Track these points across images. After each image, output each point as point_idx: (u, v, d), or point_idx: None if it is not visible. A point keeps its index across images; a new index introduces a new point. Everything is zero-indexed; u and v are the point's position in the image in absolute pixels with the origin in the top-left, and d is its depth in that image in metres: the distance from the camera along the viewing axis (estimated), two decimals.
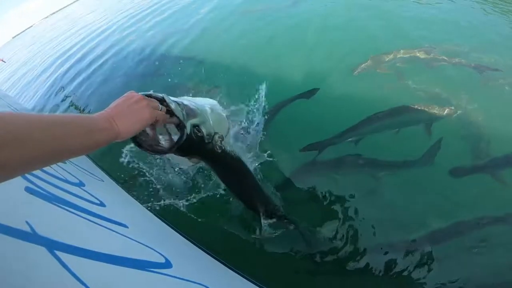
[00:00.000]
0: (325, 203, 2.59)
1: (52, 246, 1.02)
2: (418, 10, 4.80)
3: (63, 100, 6.43)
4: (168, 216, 2.74)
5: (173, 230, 2.50)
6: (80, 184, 2.25)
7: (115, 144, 3.36)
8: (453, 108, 2.95)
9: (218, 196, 2.71)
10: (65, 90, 6.93)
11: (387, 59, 3.61)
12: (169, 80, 4.90)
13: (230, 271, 2.21)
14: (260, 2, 6.97)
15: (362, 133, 2.89)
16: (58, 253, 0.99)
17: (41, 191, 1.57)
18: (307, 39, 4.66)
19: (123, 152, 3.33)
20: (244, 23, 6.16)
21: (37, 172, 1.88)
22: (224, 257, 2.30)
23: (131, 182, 3.22)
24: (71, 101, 6.20)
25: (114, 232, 1.58)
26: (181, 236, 2.44)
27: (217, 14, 7.23)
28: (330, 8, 5.55)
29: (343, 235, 2.35)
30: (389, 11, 4.91)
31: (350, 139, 2.87)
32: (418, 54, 3.61)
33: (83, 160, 3.67)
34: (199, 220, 2.63)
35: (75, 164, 3.01)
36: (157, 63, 5.90)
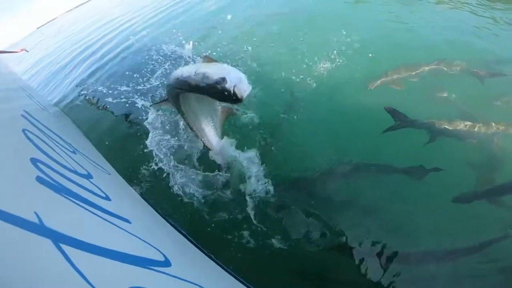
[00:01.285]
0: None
1: (58, 239, 1.02)
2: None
3: (79, 92, 6.53)
4: (170, 212, 2.74)
5: (173, 229, 2.50)
6: (88, 176, 2.26)
7: (125, 138, 3.40)
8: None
9: (223, 200, 2.71)
10: (82, 82, 7.04)
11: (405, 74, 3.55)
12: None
13: (227, 274, 2.20)
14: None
15: None
16: (63, 246, 0.99)
17: (51, 181, 1.58)
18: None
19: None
20: (259, 27, 6.12)
21: (49, 161, 1.90)
22: (222, 260, 2.29)
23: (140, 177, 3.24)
24: (86, 92, 6.29)
25: (117, 227, 1.58)
26: (181, 235, 2.43)
27: (236, 17, 7.19)
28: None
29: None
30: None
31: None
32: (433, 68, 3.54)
33: (93, 152, 3.71)
34: (201, 220, 2.62)
35: (85, 156, 3.03)
36: (171, 59, 5.93)
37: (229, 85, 1.70)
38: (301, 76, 3.84)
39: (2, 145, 1.65)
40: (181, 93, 2.25)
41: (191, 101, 2.38)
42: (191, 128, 2.72)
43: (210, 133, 2.68)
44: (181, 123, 3.40)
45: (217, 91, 1.78)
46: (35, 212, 1.13)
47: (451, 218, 2.34)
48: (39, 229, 1.05)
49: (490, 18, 4.54)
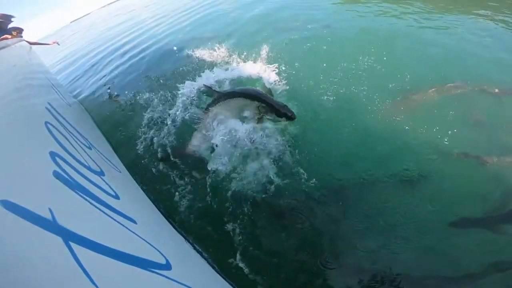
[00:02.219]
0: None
1: (68, 237, 1.05)
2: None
3: (100, 87, 6.74)
4: (174, 215, 2.77)
5: (176, 232, 2.51)
6: (101, 173, 2.31)
7: (138, 137, 3.44)
8: None
9: (228, 208, 2.72)
10: (105, 77, 7.28)
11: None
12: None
13: (225, 282, 2.18)
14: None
15: None
16: (72, 245, 1.02)
17: (67, 176, 1.63)
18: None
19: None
20: (278, 37, 6.16)
21: (66, 156, 1.96)
22: (221, 267, 2.28)
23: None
24: (107, 88, 6.48)
25: (123, 227, 1.61)
26: (183, 239, 2.44)
27: (256, 26, 7.33)
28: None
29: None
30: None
31: None
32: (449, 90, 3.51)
33: (106, 148, 3.79)
34: (204, 225, 2.63)
35: (99, 152, 3.11)
36: (193, 61, 6.07)
37: (289, 110, 3.25)
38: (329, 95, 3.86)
39: (25, 136, 1.71)
40: (235, 99, 3.40)
41: (229, 105, 3.42)
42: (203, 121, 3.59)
43: (209, 129, 3.45)
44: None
45: (282, 112, 3.23)
46: (49, 208, 1.16)
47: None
48: (52, 226, 1.07)
49: None
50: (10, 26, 5.18)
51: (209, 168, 3.09)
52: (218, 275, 2.24)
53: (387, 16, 6.24)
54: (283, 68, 4.65)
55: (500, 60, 4.09)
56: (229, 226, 2.57)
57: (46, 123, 2.15)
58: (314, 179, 2.80)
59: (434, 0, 6.78)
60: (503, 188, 2.56)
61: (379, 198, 2.62)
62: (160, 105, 4.59)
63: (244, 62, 5.18)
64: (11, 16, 5.14)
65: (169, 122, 3.95)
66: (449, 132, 3.02)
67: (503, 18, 5.30)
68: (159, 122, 4.12)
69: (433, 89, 3.60)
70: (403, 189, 2.68)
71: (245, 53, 5.42)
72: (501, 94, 3.40)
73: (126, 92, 5.73)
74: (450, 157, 2.83)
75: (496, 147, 2.89)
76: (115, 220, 1.60)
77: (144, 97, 5.12)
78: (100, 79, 7.30)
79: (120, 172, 3.10)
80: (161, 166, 3.36)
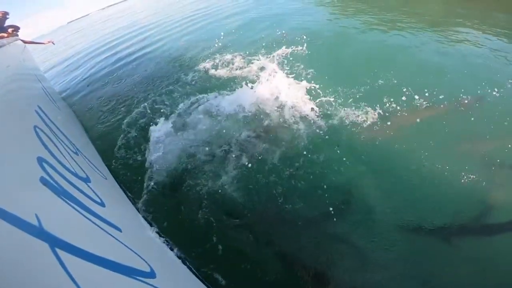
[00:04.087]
0: None
1: (55, 243, 1.03)
2: None
3: (90, 89, 6.60)
4: (159, 223, 2.72)
5: (160, 240, 2.46)
6: (87, 180, 2.26)
7: (125, 142, 3.39)
8: None
9: (211, 216, 2.72)
10: (95, 80, 7.18)
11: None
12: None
13: None
14: None
15: None
16: (58, 251, 1.00)
17: (53, 183, 1.59)
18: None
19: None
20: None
21: (53, 162, 1.91)
22: (204, 275, 2.25)
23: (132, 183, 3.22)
24: (96, 90, 6.37)
25: (108, 235, 1.58)
26: (167, 248, 2.40)
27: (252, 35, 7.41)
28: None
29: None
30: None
31: None
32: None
33: (93, 153, 3.70)
34: (188, 234, 2.60)
35: (85, 157, 3.03)
36: (186, 69, 6.08)
37: None
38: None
39: (14, 141, 1.66)
40: None
41: None
42: None
43: None
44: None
45: None
46: (36, 215, 1.14)
47: None
48: (38, 232, 1.06)
49: None
50: (6, 24, 5.04)
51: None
52: (201, 283, 2.21)
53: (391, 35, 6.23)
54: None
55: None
56: (213, 235, 2.56)
57: (35, 127, 2.10)
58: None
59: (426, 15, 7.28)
60: None
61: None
62: (149, 110, 4.58)
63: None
64: (6, 13, 5.02)
65: (158, 128, 3.95)
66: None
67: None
68: (148, 128, 4.09)
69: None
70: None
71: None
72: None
73: (118, 96, 5.66)
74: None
75: None
76: (100, 227, 1.58)
77: (135, 101, 5.09)
78: (91, 82, 7.16)
79: (106, 179, 3.03)
80: (147, 174, 3.32)
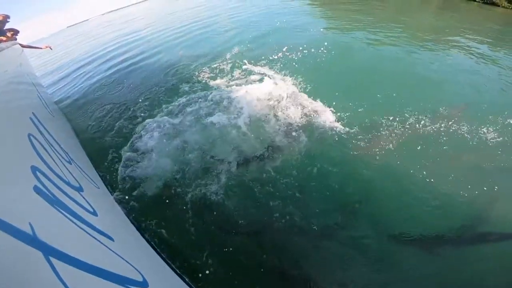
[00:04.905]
0: None
1: (48, 252, 1.04)
2: None
3: (84, 95, 6.55)
4: (150, 233, 2.69)
5: (153, 250, 2.43)
6: (79, 189, 2.24)
7: (117, 151, 3.37)
8: None
9: (202, 226, 2.71)
10: (90, 86, 7.12)
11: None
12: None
13: None
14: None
15: None
16: (52, 259, 1.01)
17: (47, 192, 1.59)
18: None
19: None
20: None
21: (47, 171, 1.90)
22: (196, 285, 2.23)
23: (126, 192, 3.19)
24: (91, 96, 6.34)
25: (101, 244, 1.57)
26: (159, 257, 2.37)
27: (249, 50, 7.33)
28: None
29: None
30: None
31: None
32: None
33: (86, 162, 3.65)
34: (180, 243, 2.58)
35: (78, 166, 3.00)
36: (175, 77, 6.17)
37: None
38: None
39: (9, 149, 1.66)
40: None
41: None
42: None
43: None
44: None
45: None
46: (29, 223, 1.14)
47: None
48: (32, 240, 1.06)
49: None
50: (6, 27, 4.97)
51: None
52: None
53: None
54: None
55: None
56: (206, 244, 2.55)
57: (29, 135, 2.09)
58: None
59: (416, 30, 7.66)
60: None
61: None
62: (143, 119, 4.58)
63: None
64: (7, 16, 4.92)
65: (151, 137, 3.96)
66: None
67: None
68: (142, 137, 4.09)
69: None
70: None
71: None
72: None
73: (112, 103, 5.63)
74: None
75: None
76: (93, 236, 1.57)
77: (129, 109, 5.07)
78: (86, 88, 7.10)
79: (99, 188, 2.99)
80: (139, 183, 3.29)
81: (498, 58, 5.95)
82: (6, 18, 4.86)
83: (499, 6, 12.62)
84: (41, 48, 6.55)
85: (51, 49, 6.73)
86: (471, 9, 12.30)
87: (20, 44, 5.15)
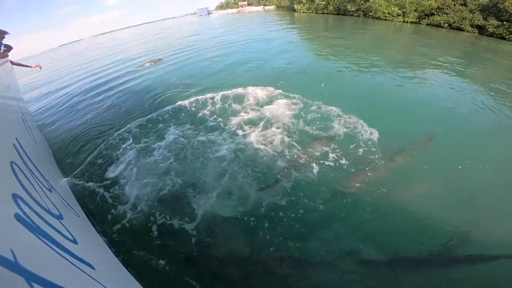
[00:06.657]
0: None
1: (31, 278, 1.03)
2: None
3: (68, 118, 6.45)
4: (130, 261, 2.59)
5: (133, 278, 2.33)
6: (59, 217, 2.18)
7: (97, 178, 3.31)
8: None
9: (184, 254, 2.66)
10: (73, 108, 7.05)
11: None
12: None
13: None
14: None
15: None
16: (35, 285, 1.00)
17: (28, 219, 1.56)
18: None
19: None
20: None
21: (28, 199, 1.86)
22: None
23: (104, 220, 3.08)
24: (74, 120, 6.24)
25: (81, 272, 1.53)
26: (139, 285, 2.27)
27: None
28: None
29: None
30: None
31: None
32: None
33: (66, 190, 3.52)
34: (161, 271, 2.49)
35: (59, 194, 2.91)
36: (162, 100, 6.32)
37: None
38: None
39: None
40: None
41: None
42: None
43: None
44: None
45: None
46: (11, 250, 1.14)
47: None
48: (14, 266, 1.05)
49: None
50: (3, 41, 4.84)
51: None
52: None
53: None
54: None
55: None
56: (187, 274, 2.48)
57: (11, 163, 2.06)
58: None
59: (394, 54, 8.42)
60: None
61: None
62: (125, 144, 4.56)
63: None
64: (6, 33, 4.79)
65: (132, 167, 3.94)
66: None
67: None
68: (123, 163, 4.05)
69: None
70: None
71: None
72: None
73: (94, 127, 5.55)
74: None
75: None
76: (74, 264, 1.53)
77: (112, 135, 5.02)
78: (70, 110, 6.99)
79: (78, 216, 2.89)
80: (119, 211, 3.20)
81: (466, 79, 6.73)
82: (3, 34, 4.70)
83: (463, 30, 14.51)
84: (31, 67, 6.45)
85: (41, 68, 6.68)
86: (440, 34, 14.18)
87: (11, 61, 5.05)
